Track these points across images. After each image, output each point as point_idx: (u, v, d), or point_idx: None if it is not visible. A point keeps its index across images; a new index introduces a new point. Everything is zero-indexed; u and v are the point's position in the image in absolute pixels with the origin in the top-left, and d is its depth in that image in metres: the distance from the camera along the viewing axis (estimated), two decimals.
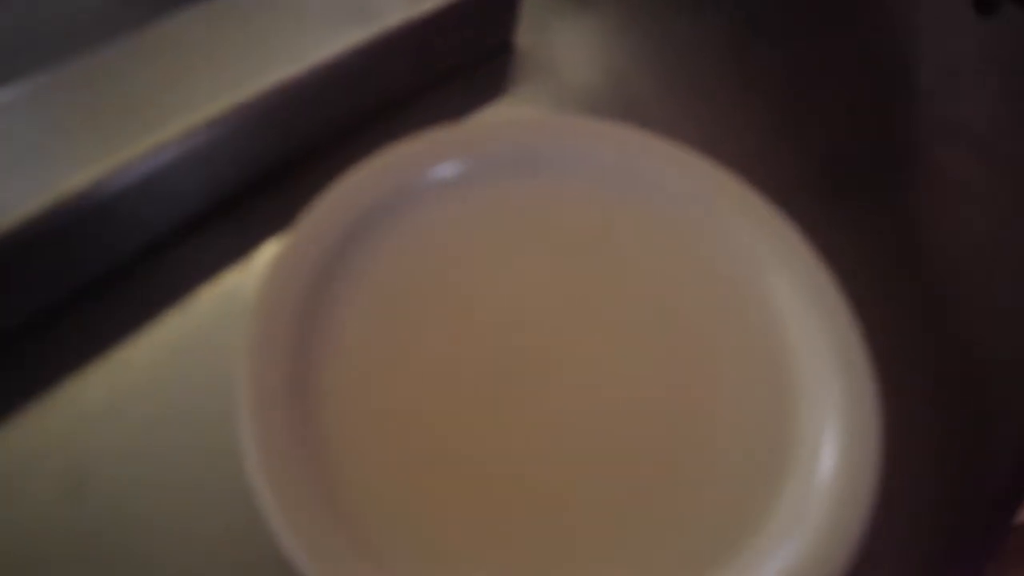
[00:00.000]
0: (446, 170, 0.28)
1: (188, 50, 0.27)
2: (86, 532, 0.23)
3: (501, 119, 0.29)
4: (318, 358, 0.24)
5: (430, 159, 0.28)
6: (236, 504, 0.24)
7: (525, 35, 0.36)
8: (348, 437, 0.23)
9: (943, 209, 0.33)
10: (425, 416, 0.24)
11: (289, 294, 0.24)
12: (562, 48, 0.36)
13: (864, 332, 0.28)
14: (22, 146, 0.24)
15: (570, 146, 0.29)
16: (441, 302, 0.26)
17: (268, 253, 0.28)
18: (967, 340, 0.29)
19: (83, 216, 0.24)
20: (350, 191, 0.26)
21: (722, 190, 0.28)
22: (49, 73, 0.26)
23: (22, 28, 0.32)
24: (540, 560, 0.22)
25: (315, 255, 0.25)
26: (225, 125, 0.26)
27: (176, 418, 0.25)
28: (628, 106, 0.34)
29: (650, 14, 0.38)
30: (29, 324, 0.26)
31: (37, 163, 0.24)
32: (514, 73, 0.35)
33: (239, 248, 0.28)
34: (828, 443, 0.24)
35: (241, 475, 0.24)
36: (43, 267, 0.25)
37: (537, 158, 0.29)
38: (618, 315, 0.26)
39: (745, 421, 0.25)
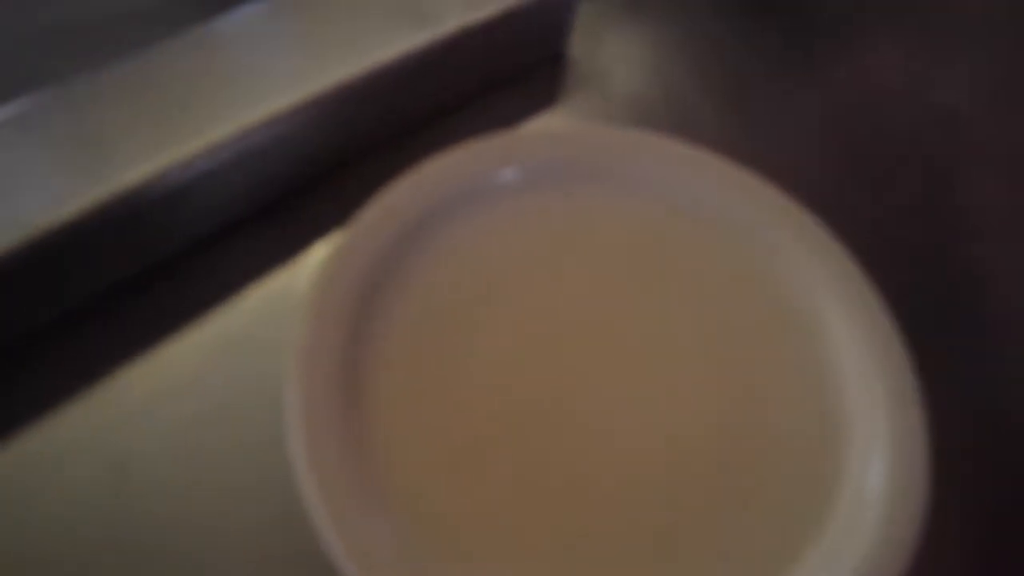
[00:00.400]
0: (499, 177, 0.28)
1: (244, 49, 0.27)
2: (125, 525, 0.23)
3: (553, 128, 0.29)
4: (367, 360, 0.24)
5: (483, 166, 0.27)
6: (274, 500, 0.23)
7: (579, 44, 0.36)
8: (395, 442, 0.23)
9: (1001, 245, 0.32)
10: (472, 425, 0.23)
11: (341, 295, 0.24)
12: (616, 59, 0.36)
13: (915, 360, 0.27)
14: (77, 141, 0.24)
15: (621, 159, 0.29)
16: (491, 312, 0.25)
17: (317, 254, 0.28)
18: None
19: (137, 211, 0.24)
20: (403, 195, 0.26)
21: (776, 211, 0.28)
22: (102, 70, 0.26)
23: (82, 24, 0.32)
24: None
25: (367, 257, 0.25)
26: (280, 125, 0.26)
27: (218, 416, 0.25)
28: (681, 119, 0.34)
29: (707, 26, 0.38)
30: (75, 318, 0.26)
31: (92, 158, 0.24)
32: (567, 82, 0.35)
33: (288, 248, 0.28)
34: (874, 476, 0.23)
35: (280, 471, 0.24)
36: (96, 259, 0.25)
37: (590, 169, 0.29)
38: (668, 334, 0.26)
39: (791, 450, 0.24)
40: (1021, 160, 0.34)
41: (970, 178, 0.33)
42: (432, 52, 0.29)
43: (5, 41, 0.31)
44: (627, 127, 0.33)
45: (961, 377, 0.28)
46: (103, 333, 0.26)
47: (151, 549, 0.22)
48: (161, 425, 0.24)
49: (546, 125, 0.33)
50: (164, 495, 0.23)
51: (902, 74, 0.37)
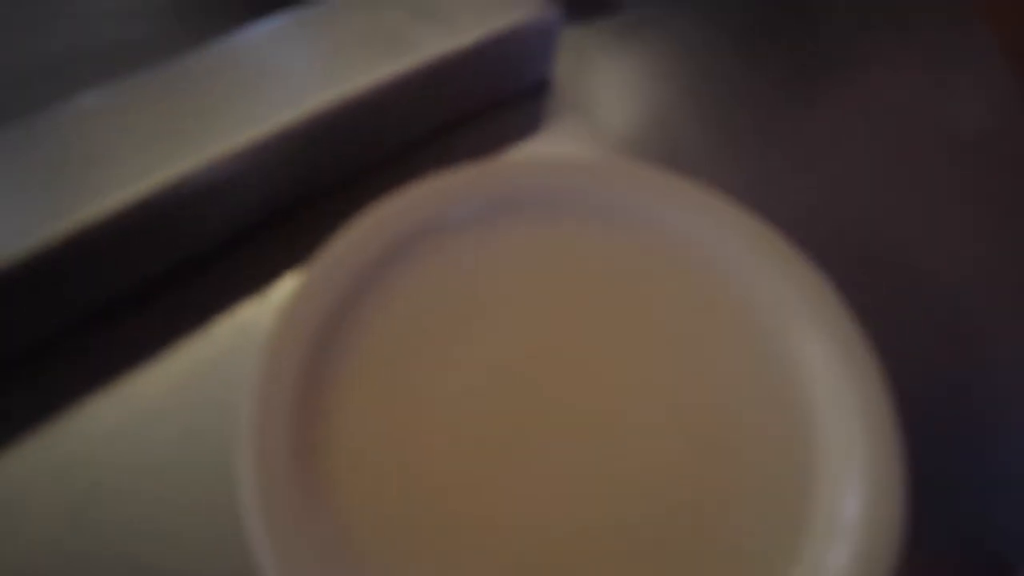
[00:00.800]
0: (462, 211, 0.27)
1: (218, 82, 0.27)
2: (87, 552, 0.22)
3: (530, 158, 0.28)
4: (326, 399, 0.23)
5: (452, 197, 0.27)
6: (240, 530, 0.23)
7: (564, 72, 0.36)
8: (353, 487, 0.22)
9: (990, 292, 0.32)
10: (434, 469, 0.23)
11: (301, 331, 0.23)
12: (603, 85, 0.36)
13: (892, 385, 0.27)
14: (40, 174, 0.24)
15: (596, 188, 0.28)
16: (457, 344, 0.25)
17: (287, 287, 0.28)
18: (1001, 399, 0.28)
19: (103, 242, 0.24)
20: (362, 233, 0.26)
21: (752, 239, 0.27)
22: (70, 103, 0.26)
23: (72, 49, 0.32)
24: None
25: (330, 293, 0.24)
26: (252, 156, 0.26)
27: (185, 444, 0.24)
28: (664, 148, 0.34)
29: (695, 55, 0.38)
30: (42, 349, 0.26)
31: (58, 191, 0.24)
32: (551, 110, 0.34)
33: (259, 280, 0.28)
34: (850, 495, 0.23)
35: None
36: (61, 292, 0.25)
37: (564, 199, 0.28)
38: (640, 361, 0.25)
39: (765, 471, 0.24)
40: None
41: (963, 217, 0.33)
42: (410, 81, 0.29)
43: None
44: (611, 154, 0.33)
45: (939, 405, 0.27)
46: (71, 364, 0.25)
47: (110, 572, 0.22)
48: (126, 457, 0.24)
49: (528, 153, 0.32)
50: (126, 517, 0.23)
51: (899, 105, 0.37)
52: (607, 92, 0.35)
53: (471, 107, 0.33)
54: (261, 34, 0.29)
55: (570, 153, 0.33)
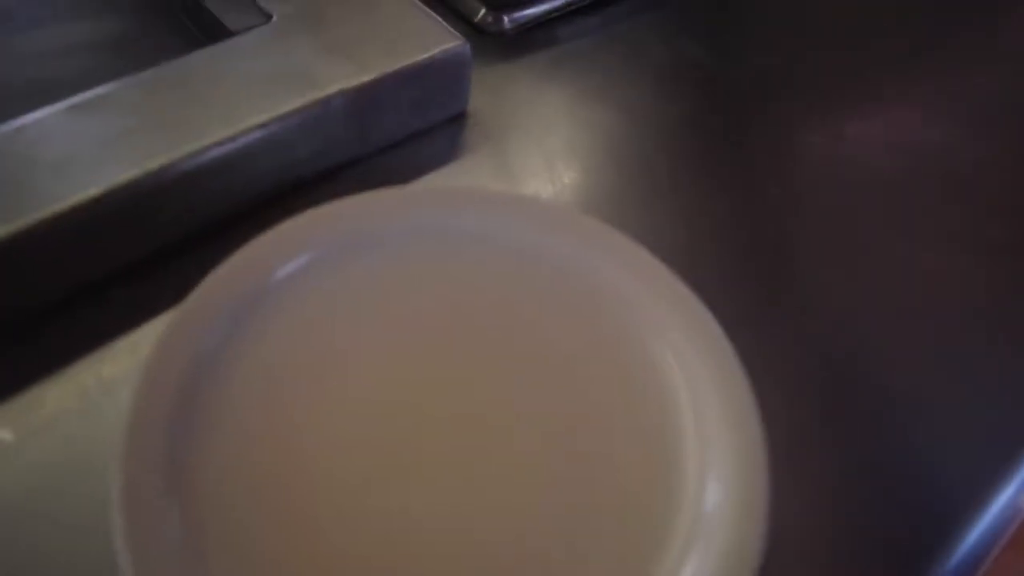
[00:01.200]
0: (333, 246, 0.28)
1: (122, 115, 0.28)
2: None
3: (402, 190, 0.29)
4: (195, 441, 0.24)
5: (323, 231, 0.28)
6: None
7: (485, 104, 0.37)
8: (222, 531, 0.22)
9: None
10: (303, 507, 0.23)
11: (168, 375, 0.24)
12: (519, 119, 0.37)
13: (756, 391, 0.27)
14: None
15: (469, 216, 0.29)
16: (323, 382, 0.25)
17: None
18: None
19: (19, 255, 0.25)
20: (231, 273, 0.26)
21: (625, 262, 0.28)
22: None
23: None
24: None
25: (195, 338, 0.25)
26: (151, 188, 0.27)
27: (72, 469, 0.25)
28: (574, 180, 0.35)
29: (610, 91, 0.39)
30: None
31: None
32: (467, 142, 0.35)
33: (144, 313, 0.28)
34: (712, 496, 0.24)
35: None
36: None
37: (438, 229, 0.29)
38: (515, 379, 0.26)
39: (634, 476, 0.24)
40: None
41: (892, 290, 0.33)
42: (316, 115, 0.30)
43: None
44: (520, 184, 0.34)
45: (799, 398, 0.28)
46: None
47: None
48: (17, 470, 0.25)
49: (441, 183, 0.33)
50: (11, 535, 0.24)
51: (828, 165, 0.38)
52: (524, 125, 0.36)
53: (386, 137, 0.34)
54: (169, 71, 0.30)
55: (465, 184, 0.33)
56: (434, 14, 0.34)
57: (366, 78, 0.31)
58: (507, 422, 0.25)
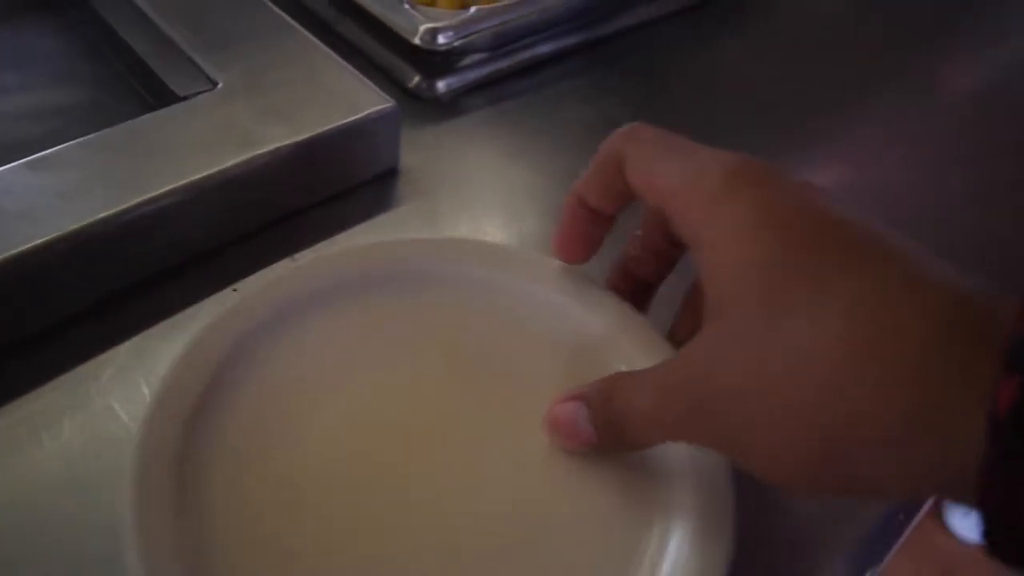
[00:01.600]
0: (298, 300, 0.30)
1: (79, 170, 0.32)
2: None
3: (362, 242, 0.32)
4: (199, 468, 0.26)
5: (311, 279, 0.31)
6: None
7: (416, 160, 0.40)
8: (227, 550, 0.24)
9: None
10: (301, 534, 0.25)
11: (177, 398, 0.26)
12: (445, 174, 0.40)
13: None
14: None
15: (425, 264, 0.32)
16: (323, 406, 0.28)
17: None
18: None
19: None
20: (243, 304, 0.29)
21: (578, 293, 0.31)
22: None
23: None
24: None
25: (207, 361, 0.27)
26: (104, 234, 0.30)
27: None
28: (492, 231, 0.38)
29: (534, 148, 0.43)
30: None
31: None
32: (399, 195, 0.39)
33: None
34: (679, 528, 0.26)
35: None
36: None
37: (393, 276, 0.32)
38: (489, 412, 0.29)
39: (595, 525, 0.26)
40: None
41: None
42: (254, 170, 0.33)
43: None
44: (447, 234, 0.37)
45: None
46: None
47: None
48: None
49: (374, 232, 0.37)
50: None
51: None
52: (452, 181, 0.40)
53: (323, 191, 0.37)
54: (125, 130, 0.33)
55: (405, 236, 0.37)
56: (368, 81, 0.38)
57: (300, 137, 0.34)
58: (485, 454, 0.28)
